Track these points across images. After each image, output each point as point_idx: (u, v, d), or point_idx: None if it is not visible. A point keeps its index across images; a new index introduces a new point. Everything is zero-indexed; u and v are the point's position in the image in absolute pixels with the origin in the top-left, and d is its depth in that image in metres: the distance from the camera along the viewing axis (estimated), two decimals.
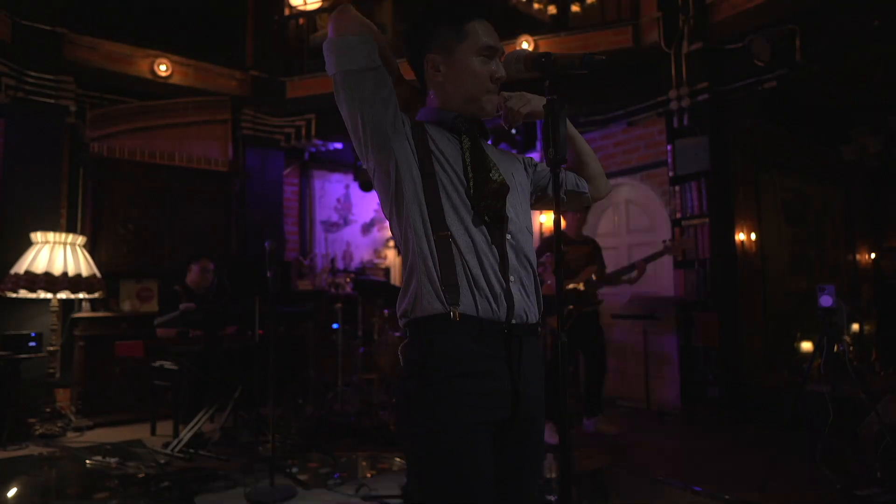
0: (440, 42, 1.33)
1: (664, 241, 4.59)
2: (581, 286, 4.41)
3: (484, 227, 1.27)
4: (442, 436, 1.18)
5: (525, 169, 1.50)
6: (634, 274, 4.39)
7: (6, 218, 4.87)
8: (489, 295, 1.23)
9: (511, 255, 1.28)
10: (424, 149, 1.28)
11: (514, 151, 1.57)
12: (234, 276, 4.91)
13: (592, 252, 4.60)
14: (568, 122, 1.47)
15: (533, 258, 1.34)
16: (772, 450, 3.37)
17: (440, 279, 1.21)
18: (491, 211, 1.27)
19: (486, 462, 1.20)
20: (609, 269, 4.65)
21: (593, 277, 4.45)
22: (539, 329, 1.33)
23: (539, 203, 1.55)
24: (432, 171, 1.26)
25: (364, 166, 1.33)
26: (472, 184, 1.27)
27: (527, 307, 1.28)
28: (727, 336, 4.91)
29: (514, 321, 1.25)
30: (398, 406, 1.27)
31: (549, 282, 4.26)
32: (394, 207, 1.29)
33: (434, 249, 1.23)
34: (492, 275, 1.24)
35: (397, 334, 5.10)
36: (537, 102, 1.40)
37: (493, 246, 1.27)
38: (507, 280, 1.25)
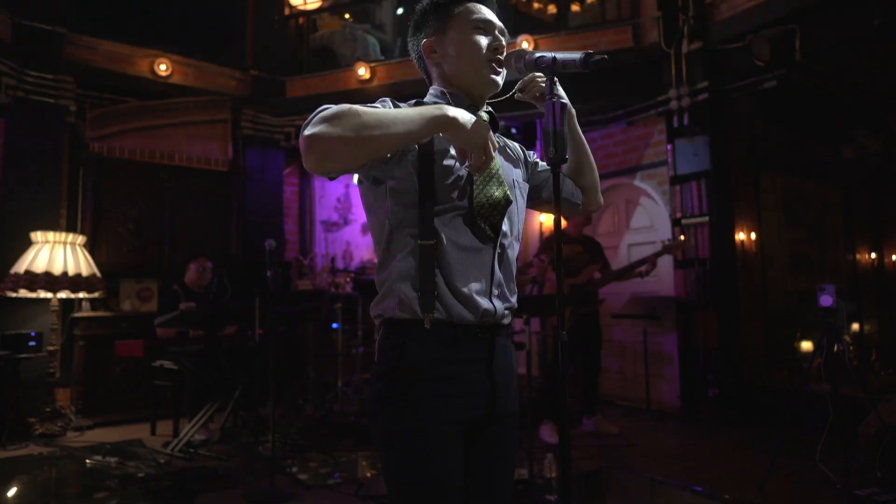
0: (434, 27, 1.34)
1: (662, 241, 4.59)
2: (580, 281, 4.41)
3: (476, 238, 1.25)
4: (410, 434, 1.17)
5: (526, 166, 1.47)
6: (645, 268, 4.38)
7: (6, 217, 4.86)
8: (469, 304, 1.21)
9: (497, 267, 1.27)
10: (428, 158, 1.23)
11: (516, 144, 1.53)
12: (234, 276, 4.91)
13: (592, 251, 4.59)
14: (578, 130, 1.46)
15: (514, 266, 1.34)
16: (772, 450, 3.37)
17: (418, 286, 1.20)
18: (489, 224, 1.26)
19: (455, 460, 1.19)
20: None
21: (596, 275, 4.45)
22: (511, 327, 1.33)
23: (530, 202, 1.50)
24: (431, 183, 1.22)
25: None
26: (474, 194, 1.25)
27: (503, 311, 1.28)
28: (727, 336, 4.91)
29: (488, 324, 1.25)
30: (367, 402, 1.25)
31: (549, 281, 4.26)
32: (378, 209, 1.26)
33: (417, 257, 1.20)
34: (474, 284, 1.23)
35: None
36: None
37: (482, 257, 1.25)
38: (490, 292, 1.25)
